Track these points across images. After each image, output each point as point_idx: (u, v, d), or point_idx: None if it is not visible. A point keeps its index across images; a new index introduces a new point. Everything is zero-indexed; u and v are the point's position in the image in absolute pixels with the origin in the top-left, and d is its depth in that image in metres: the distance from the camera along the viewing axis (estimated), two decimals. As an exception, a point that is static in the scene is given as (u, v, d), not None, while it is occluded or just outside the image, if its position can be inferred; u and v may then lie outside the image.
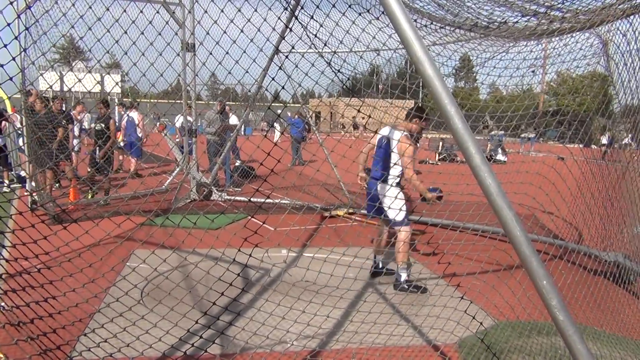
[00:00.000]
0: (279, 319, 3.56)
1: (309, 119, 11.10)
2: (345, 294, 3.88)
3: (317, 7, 2.81)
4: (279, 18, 3.04)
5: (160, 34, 3.17)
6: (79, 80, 3.36)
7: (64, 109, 10.28)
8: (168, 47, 3.24)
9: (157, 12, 3.36)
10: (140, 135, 12.61)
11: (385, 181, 4.99)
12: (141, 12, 3.21)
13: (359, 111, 3.31)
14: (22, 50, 5.97)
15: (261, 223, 7.73)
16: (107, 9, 2.98)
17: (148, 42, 3.00)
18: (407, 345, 3.80)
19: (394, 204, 4.89)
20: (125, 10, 3.13)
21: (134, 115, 12.58)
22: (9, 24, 2.36)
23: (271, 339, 3.62)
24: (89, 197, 9.27)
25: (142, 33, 2.97)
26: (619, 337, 3.91)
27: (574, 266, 4.92)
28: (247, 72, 3.14)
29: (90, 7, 2.78)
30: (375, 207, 5.04)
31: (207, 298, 3.50)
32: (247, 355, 3.59)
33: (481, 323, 3.56)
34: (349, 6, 3.04)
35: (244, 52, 3.02)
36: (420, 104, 5.21)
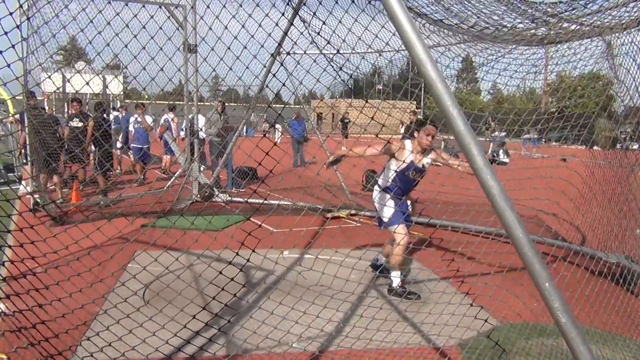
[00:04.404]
0: (283, 321, 3.56)
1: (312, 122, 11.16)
2: (351, 297, 3.87)
3: (333, 8, 2.82)
4: (291, 23, 3.04)
5: (169, 39, 3.18)
6: (87, 83, 3.38)
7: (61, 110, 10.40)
8: (171, 49, 3.25)
9: (157, 23, 3.35)
10: (174, 135, 12.93)
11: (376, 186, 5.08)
12: (149, 18, 3.21)
13: (361, 112, 3.31)
14: (22, 57, 6.00)
15: (261, 225, 7.72)
16: (113, 17, 2.99)
17: (149, 45, 3.01)
18: (417, 345, 3.79)
19: (380, 207, 4.94)
20: (126, 23, 3.13)
21: (170, 116, 13.22)
22: (6, 33, 2.36)
23: (273, 340, 3.61)
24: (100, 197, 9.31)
25: (150, 39, 2.98)
26: (623, 338, 3.90)
27: (577, 268, 4.91)
28: (257, 77, 3.16)
29: (91, 21, 2.80)
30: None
31: (209, 301, 3.50)
32: (255, 356, 3.59)
33: (494, 327, 3.55)
34: (365, 6, 3.04)
35: (254, 57, 3.02)
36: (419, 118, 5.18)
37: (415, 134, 4.86)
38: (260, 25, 2.93)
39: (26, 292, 2.73)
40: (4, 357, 3.30)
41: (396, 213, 4.83)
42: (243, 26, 2.90)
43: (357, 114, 3.20)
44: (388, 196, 4.94)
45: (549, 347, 3.75)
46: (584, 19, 4.04)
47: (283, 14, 2.99)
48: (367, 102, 3.20)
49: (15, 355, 3.01)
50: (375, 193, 5.07)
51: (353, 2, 2.95)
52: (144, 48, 3.00)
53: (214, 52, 3.00)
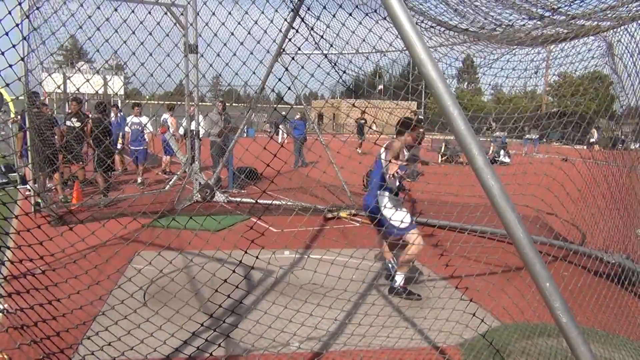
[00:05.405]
0: (278, 321, 3.56)
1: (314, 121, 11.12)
2: (344, 294, 3.87)
3: (324, 7, 2.83)
4: (285, 20, 3.04)
5: (167, 38, 3.18)
6: (80, 86, 3.38)
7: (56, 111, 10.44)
8: (169, 49, 3.25)
9: (157, 23, 3.34)
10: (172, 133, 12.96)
11: (380, 192, 4.98)
12: (144, 20, 3.20)
13: (364, 112, 3.31)
14: (22, 57, 6.01)
15: (261, 224, 7.73)
16: (102, 23, 3.00)
17: (151, 45, 3.02)
18: (416, 347, 3.79)
19: (392, 215, 4.84)
20: (115, 30, 3.12)
21: (166, 116, 13.40)
22: (12, 29, 2.37)
23: (267, 340, 3.61)
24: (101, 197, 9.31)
25: (140, 44, 2.99)
26: (622, 338, 3.90)
27: (577, 268, 4.91)
28: (253, 72, 3.16)
29: (89, 17, 2.81)
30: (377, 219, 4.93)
31: (208, 300, 3.50)
32: (252, 356, 3.59)
33: (490, 326, 3.55)
34: (356, 6, 3.05)
35: (251, 53, 3.03)
36: (404, 118, 5.10)
37: (405, 135, 4.88)
38: (268, 18, 2.93)
39: (26, 292, 2.74)
40: (6, 357, 3.30)
41: (411, 218, 4.89)
42: (250, 14, 2.90)
43: (372, 116, 3.19)
44: (397, 203, 4.93)
45: (543, 347, 3.74)
46: (580, 13, 4.04)
47: (285, 2, 3.00)
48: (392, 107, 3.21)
49: (19, 353, 3.02)
50: (383, 202, 4.96)
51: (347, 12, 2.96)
52: (133, 53, 3.00)
53: (215, 52, 3.01)
